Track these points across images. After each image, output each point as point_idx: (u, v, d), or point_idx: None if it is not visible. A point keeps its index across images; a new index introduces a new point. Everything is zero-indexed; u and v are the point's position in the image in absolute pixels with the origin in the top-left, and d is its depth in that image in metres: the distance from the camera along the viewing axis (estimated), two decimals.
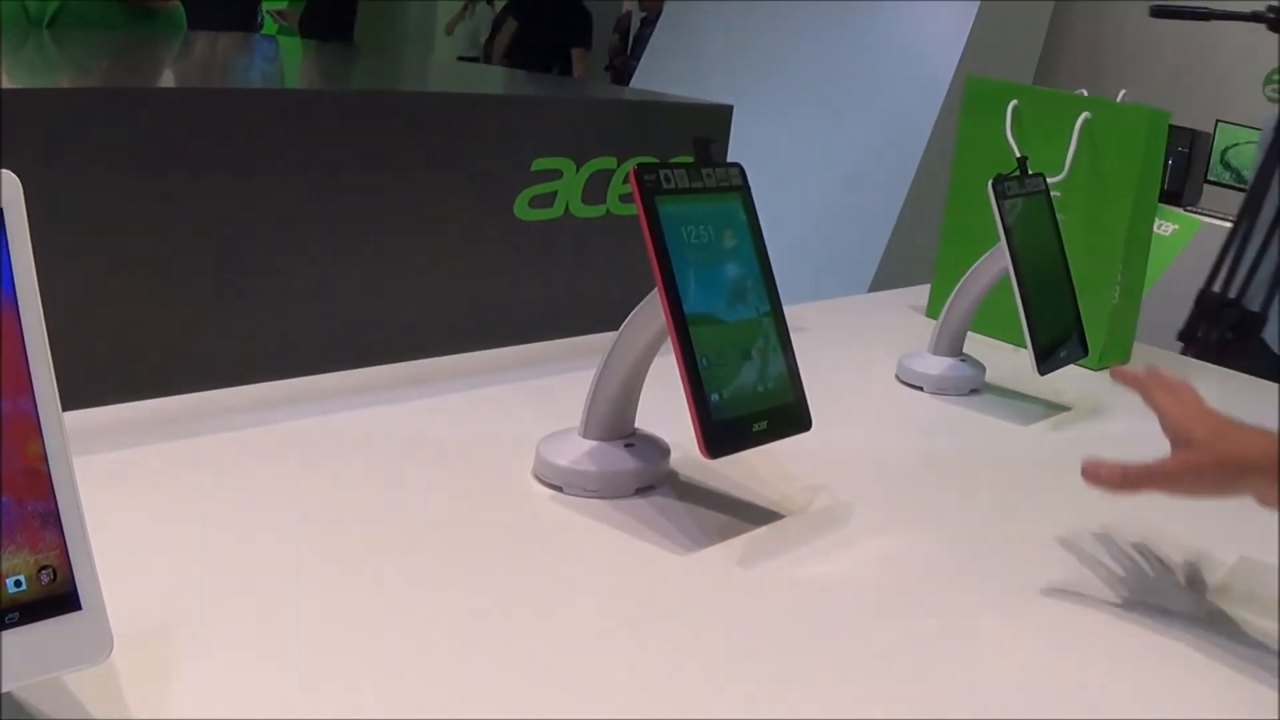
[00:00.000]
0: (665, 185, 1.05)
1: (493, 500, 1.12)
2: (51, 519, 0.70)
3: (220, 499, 1.06)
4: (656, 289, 1.04)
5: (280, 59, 2.56)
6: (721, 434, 1.04)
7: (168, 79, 1.96)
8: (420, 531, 1.05)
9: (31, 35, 2.67)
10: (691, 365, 1.02)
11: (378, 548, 1.01)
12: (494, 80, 2.40)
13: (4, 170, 0.71)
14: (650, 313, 1.07)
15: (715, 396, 1.04)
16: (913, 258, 4.25)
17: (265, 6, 7.13)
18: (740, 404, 1.07)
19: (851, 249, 4.39)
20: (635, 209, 1.58)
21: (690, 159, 1.08)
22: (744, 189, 1.13)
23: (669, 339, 1.04)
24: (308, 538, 1.01)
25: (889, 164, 4.54)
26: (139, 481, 1.05)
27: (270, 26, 7.12)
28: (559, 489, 1.12)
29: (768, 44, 5.17)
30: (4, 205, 0.71)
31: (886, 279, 4.33)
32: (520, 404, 1.38)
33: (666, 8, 6.06)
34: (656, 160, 1.54)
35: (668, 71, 5.58)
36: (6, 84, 1.22)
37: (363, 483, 1.13)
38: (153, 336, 1.25)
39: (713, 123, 1.65)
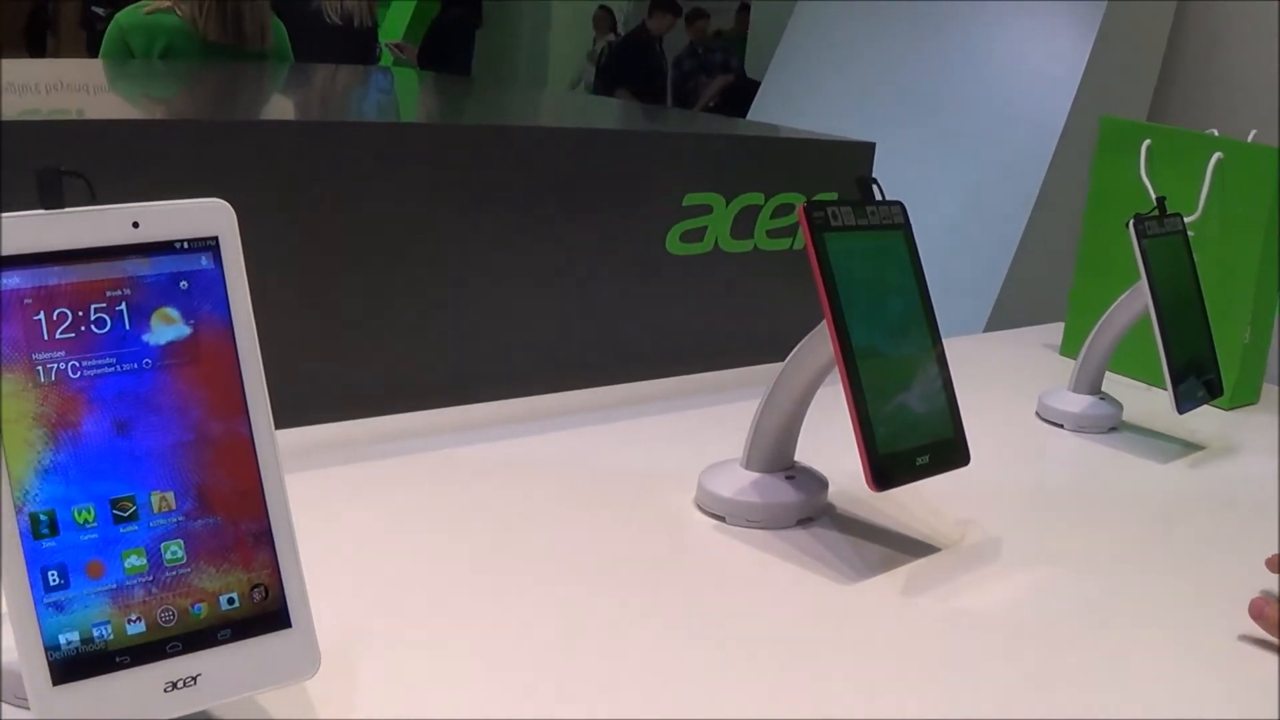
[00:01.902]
0: (833, 222, 1.03)
1: (656, 529, 1.10)
2: (264, 538, 0.70)
3: (391, 521, 1.05)
4: (823, 323, 1.02)
5: (420, 91, 2.56)
6: (888, 467, 1.02)
7: (332, 112, 1.97)
8: (584, 558, 1.03)
9: (145, 66, 2.69)
10: (860, 399, 1.00)
11: (541, 574, 1.00)
12: (637, 116, 2.39)
13: (219, 199, 0.71)
14: (816, 347, 1.05)
15: (881, 430, 1.01)
16: (1032, 294, 4.18)
17: (382, 39, 7.16)
18: (904, 438, 1.05)
19: (967, 283, 4.33)
20: (783, 245, 1.58)
21: (832, 195, 1.06)
22: (905, 226, 1.11)
23: (832, 372, 1.02)
24: (472, 562, 1.01)
25: (1004, 199, 4.46)
26: (320, 503, 1.05)
27: (387, 59, 7.13)
28: (721, 519, 1.10)
29: (882, 76, 5.12)
30: (220, 233, 0.70)
31: (1005, 314, 4.26)
32: (678, 434, 1.37)
33: (784, 36, 6.01)
34: (804, 197, 1.53)
35: (780, 100, 5.54)
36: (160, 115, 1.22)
37: (526, 509, 1.12)
38: (312, 362, 1.24)
39: (857, 160, 1.63)
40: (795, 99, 5.35)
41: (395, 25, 8.78)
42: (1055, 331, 1.98)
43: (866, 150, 1.64)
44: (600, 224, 1.42)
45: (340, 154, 1.24)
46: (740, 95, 7.73)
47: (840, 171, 1.59)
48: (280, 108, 2.02)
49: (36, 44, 9.31)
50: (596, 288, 1.44)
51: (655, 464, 1.26)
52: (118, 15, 3.03)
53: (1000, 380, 1.76)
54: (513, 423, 1.31)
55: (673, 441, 1.34)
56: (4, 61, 1.67)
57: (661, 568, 1.03)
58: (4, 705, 0.74)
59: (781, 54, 5.78)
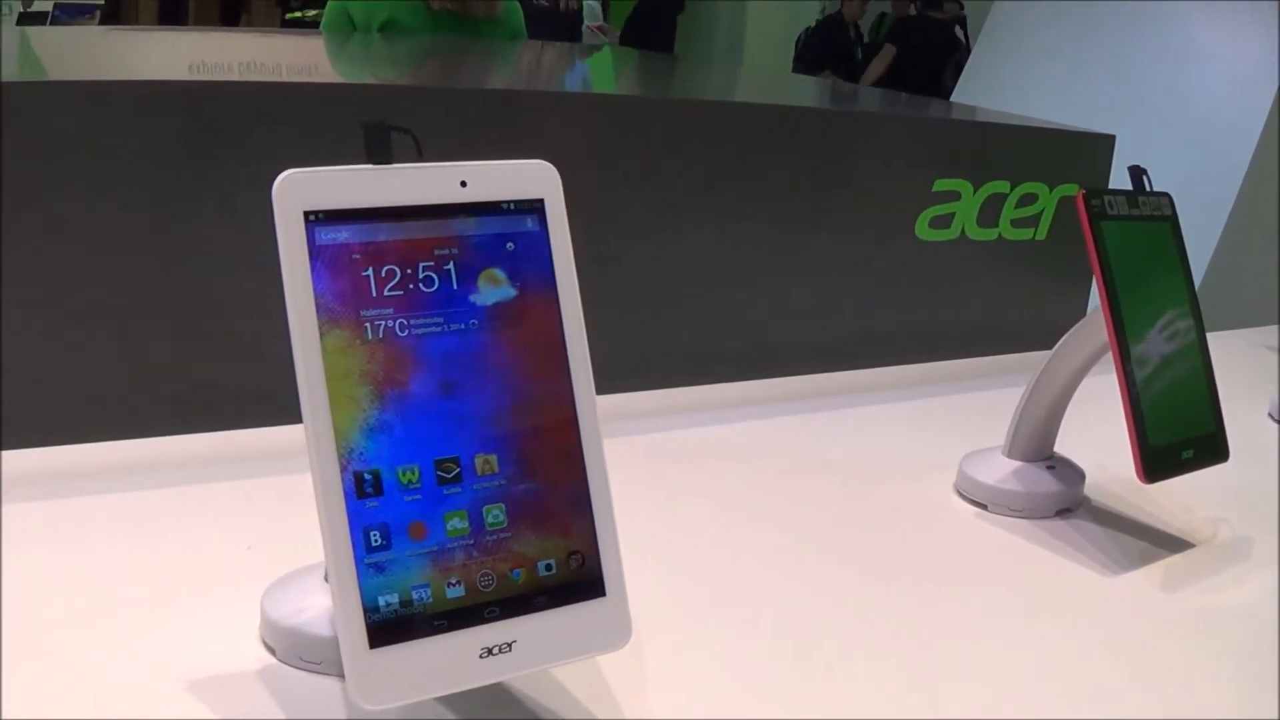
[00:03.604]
0: (1109, 211, 0.97)
1: (916, 515, 1.05)
2: (583, 505, 0.66)
3: (641, 498, 1.01)
4: (1094, 311, 0.97)
5: (647, 71, 2.53)
6: (1157, 459, 0.96)
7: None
8: (844, 541, 0.99)
9: (359, 38, 2.66)
10: (1133, 389, 0.95)
11: (802, 558, 0.96)
12: (874, 99, 2.34)
13: (544, 161, 0.67)
14: (1087, 336, 1.00)
15: (1151, 422, 0.96)
16: (1231, 295, 4.05)
17: (587, 21, 7.11)
18: (1170, 430, 0.99)
19: None
20: (1026, 235, 1.52)
21: (1073, 187, 1.00)
22: (1173, 218, 1.05)
23: (1099, 362, 0.97)
24: (732, 545, 0.97)
25: (1202, 202, 4.31)
26: None
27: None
28: (983, 507, 1.05)
29: (1081, 64, 4.99)
30: (546, 195, 0.67)
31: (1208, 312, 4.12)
32: (929, 421, 1.32)
33: (986, 23, 5.89)
34: (1046, 186, 1.48)
35: (982, 85, 5.44)
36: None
37: (783, 493, 1.08)
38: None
39: (1097, 151, 1.57)
40: (997, 87, 5.23)
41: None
42: (1271, 334, 1.89)
43: (1106, 142, 1.58)
44: (851, 206, 1.38)
45: (645, 127, 1.21)
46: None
47: (1080, 162, 1.53)
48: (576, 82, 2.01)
49: (230, 19, 9.29)
50: (846, 270, 1.40)
51: (912, 449, 1.21)
52: None
53: (1229, 381, 1.68)
54: (760, 404, 1.27)
55: (924, 428, 1.30)
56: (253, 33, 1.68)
57: (920, 554, 0.99)
58: (287, 668, 0.72)
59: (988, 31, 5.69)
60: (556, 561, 0.65)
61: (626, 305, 1.26)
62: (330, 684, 0.71)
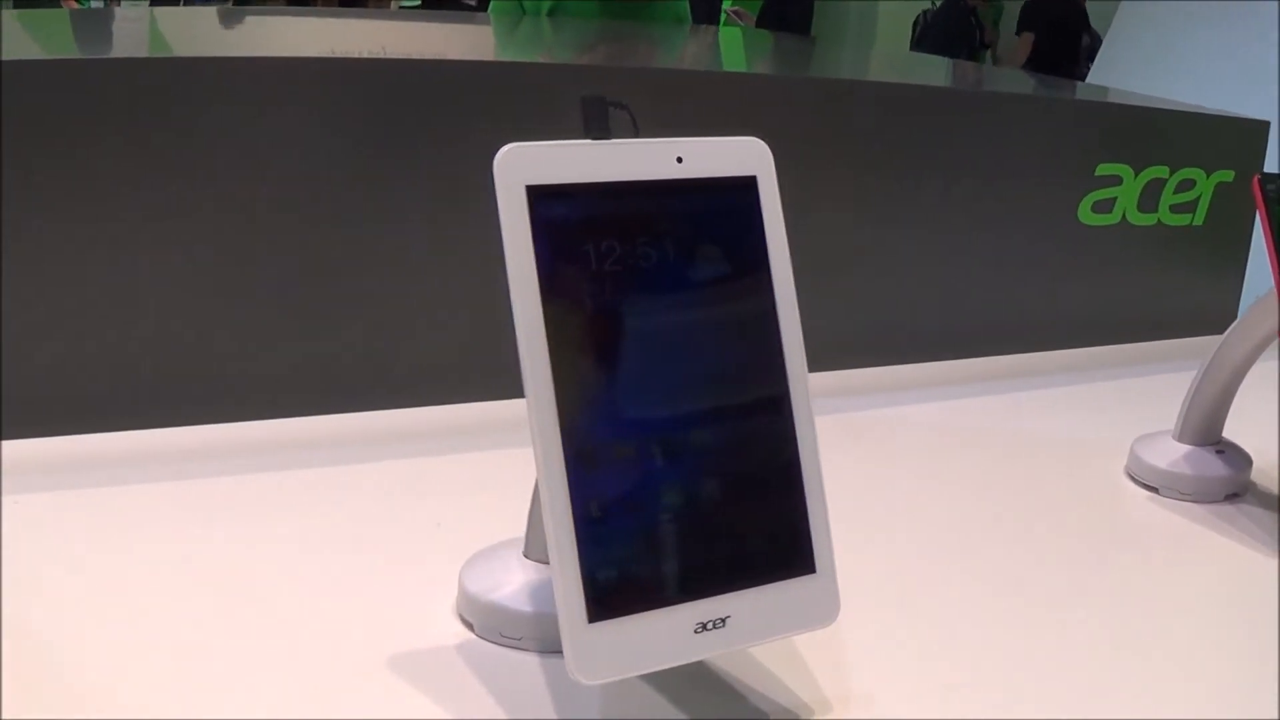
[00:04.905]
0: None
1: (1091, 497, 1.03)
2: (795, 481, 0.65)
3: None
4: (1268, 294, 0.94)
5: (803, 53, 2.52)
6: None
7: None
8: (1021, 521, 0.97)
9: (528, 21, 2.65)
10: None
11: (984, 538, 0.94)
12: (1031, 84, 2.30)
13: (756, 138, 0.66)
14: (1261, 319, 0.97)
15: None
16: None
17: (726, 5, 7.03)
18: None
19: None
20: (1184, 220, 1.49)
21: (1230, 174, 0.97)
22: None
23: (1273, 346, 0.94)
24: (912, 523, 0.96)
25: None
26: None
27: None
28: (1155, 490, 1.03)
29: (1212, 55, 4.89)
30: (758, 173, 0.65)
31: None
32: (1095, 404, 1.30)
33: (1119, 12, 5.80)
34: (1204, 171, 1.45)
35: (1116, 70, 5.36)
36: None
37: (959, 473, 1.06)
38: None
39: (1252, 137, 1.53)
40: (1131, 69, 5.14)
41: None
42: None
43: (1262, 128, 1.54)
44: (1016, 189, 1.35)
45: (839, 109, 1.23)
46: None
47: (1236, 148, 1.49)
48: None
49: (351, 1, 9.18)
50: (1012, 253, 1.38)
51: (1082, 432, 1.18)
52: None
53: None
54: (925, 386, 1.26)
55: (1093, 411, 1.27)
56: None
57: (1106, 538, 0.96)
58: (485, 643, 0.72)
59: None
60: (769, 537, 0.64)
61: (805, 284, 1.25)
62: (530, 659, 0.70)
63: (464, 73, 1.15)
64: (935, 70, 2.43)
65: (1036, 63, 7.39)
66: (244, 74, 1.03)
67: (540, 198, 0.59)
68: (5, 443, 0.92)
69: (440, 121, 1.07)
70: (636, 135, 0.64)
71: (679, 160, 0.63)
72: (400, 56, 1.20)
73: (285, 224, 1.04)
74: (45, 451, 0.94)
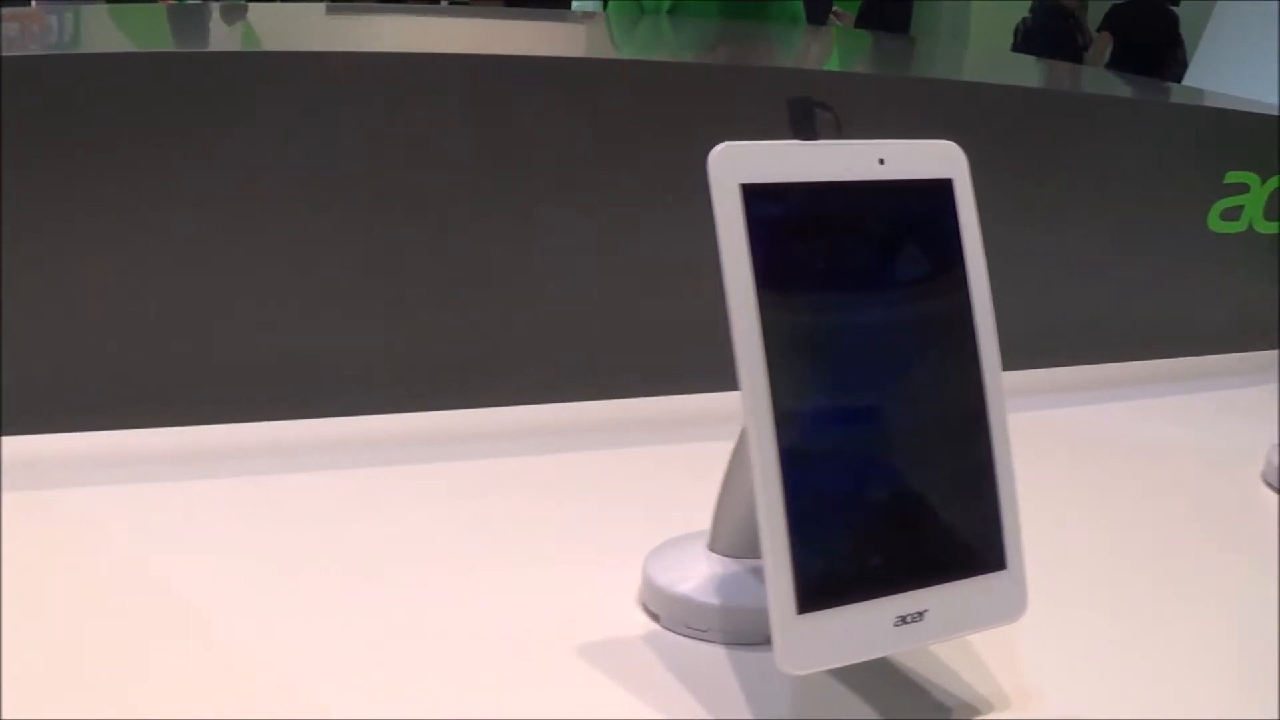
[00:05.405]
0: None
1: (1229, 503, 1.03)
2: (989, 477, 0.66)
3: None
4: None
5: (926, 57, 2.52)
6: None
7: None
8: (1164, 525, 0.97)
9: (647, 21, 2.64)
10: None
11: (1128, 543, 0.93)
12: (1162, 90, 2.30)
13: (951, 142, 0.67)
14: None
15: None
16: None
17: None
18: None
19: None
20: None
21: None
22: None
23: None
24: (1064, 525, 0.94)
25: None
26: None
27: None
28: None
29: None
30: (954, 176, 0.66)
31: None
32: (1236, 410, 1.29)
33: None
34: None
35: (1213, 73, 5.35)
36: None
37: (1075, 481, 1.06)
38: None
39: None
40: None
41: None
42: None
43: None
44: (1148, 196, 1.36)
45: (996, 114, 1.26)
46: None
47: None
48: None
49: None
50: (1144, 259, 1.38)
51: (1216, 438, 1.19)
52: None
53: None
54: (1046, 392, 1.26)
55: (1227, 418, 1.27)
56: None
57: (1250, 542, 0.96)
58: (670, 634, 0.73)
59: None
60: (965, 532, 0.65)
61: None
62: (716, 651, 0.70)
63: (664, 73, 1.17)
64: (1053, 73, 2.44)
65: (1121, 63, 7.31)
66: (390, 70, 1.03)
67: (754, 196, 0.60)
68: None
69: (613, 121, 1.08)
70: (839, 136, 0.65)
71: (880, 162, 0.64)
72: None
73: (451, 220, 1.04)
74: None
